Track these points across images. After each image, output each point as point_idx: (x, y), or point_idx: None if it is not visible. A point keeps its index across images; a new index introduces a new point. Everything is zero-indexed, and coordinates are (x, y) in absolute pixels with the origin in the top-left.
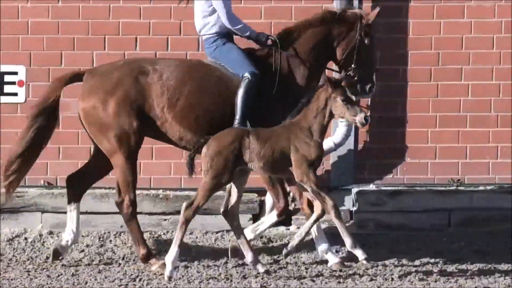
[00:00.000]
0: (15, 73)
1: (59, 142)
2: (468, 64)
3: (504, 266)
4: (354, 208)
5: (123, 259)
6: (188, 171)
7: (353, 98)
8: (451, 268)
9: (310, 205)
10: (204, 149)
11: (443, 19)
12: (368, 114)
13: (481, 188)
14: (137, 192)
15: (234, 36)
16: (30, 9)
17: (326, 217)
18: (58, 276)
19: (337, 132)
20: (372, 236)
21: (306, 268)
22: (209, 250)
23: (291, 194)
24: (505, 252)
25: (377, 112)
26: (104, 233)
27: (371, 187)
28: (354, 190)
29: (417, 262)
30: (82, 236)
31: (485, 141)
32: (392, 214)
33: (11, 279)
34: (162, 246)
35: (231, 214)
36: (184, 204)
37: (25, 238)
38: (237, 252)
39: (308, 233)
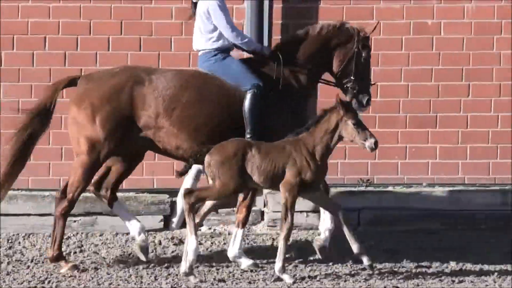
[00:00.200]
0: None
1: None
2: (377, 65)
3: (411, 265)
4: (265, 209)
5: (32, 261)
6: (181, 172)
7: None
8: (359, 267)
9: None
10: (206, 159)
11: (352, 20)
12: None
13: (390, 188)
14: (46, 193)
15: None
16: None
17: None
18: None
19: None
20: None
21: (217, 269)
22: (119, 251)
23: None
24: (414, 252)
25: None
26: (13, 235)
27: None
28: (265, 190)
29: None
30: None
31: (393, 142)
32: (303, 214)
33: None
34: (72, 248)
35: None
36: (183, 191)
37: None
38: (324, 251)
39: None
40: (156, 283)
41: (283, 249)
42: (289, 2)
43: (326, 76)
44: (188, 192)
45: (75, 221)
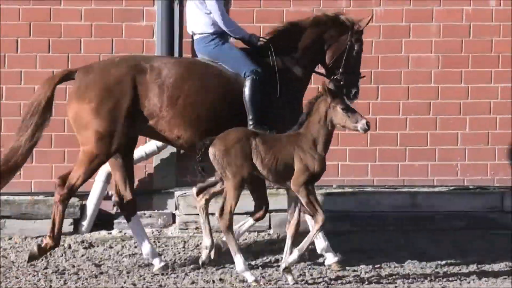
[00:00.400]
0: None
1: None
2: None
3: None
4: (177, 212)
5: None
6: (199, 174)
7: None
8: (270, 270)
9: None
10: (211, 150)
11: (262, 24)
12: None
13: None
14: None
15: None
16: None
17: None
18: None
19: (150, 143)
20: (193, 239)
21: (128, 273)
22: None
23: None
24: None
25: None
26: None
27: (193, 190)
28: (177, 193)
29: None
30: None
31: None
32: (214, 216)
33: None
34: None
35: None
36: (217, 214)
37: None
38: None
39: (308, 247)
40: (65, 287)
41: (312, 235)
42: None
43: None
44: (220, 214)
45: None
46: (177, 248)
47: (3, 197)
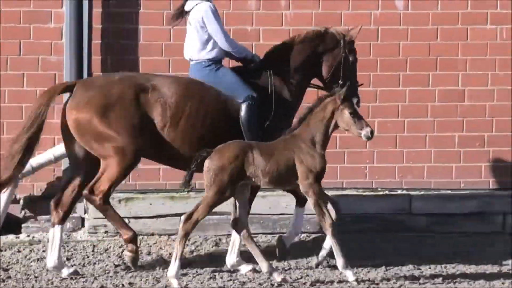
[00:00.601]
0: None
1: None
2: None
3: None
4: (86, 215)
5: None
6: (184, 183)
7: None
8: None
9: None
10: (206, 163)
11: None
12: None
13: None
14: None
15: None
16: None
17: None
18: None
19: (58, 146)
20: (103, 242)
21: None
22: None
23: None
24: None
25: None
26: None
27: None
28: None
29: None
30: None
31: None
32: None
33: None
34: None
35: (240, 226)
36: (182, 218)
37: None
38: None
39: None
40: None
41: (336, 246)
42: (108, 7)
43: (314, 80)
44: (187, 219)
45: None
46: (86, 252)
47: None
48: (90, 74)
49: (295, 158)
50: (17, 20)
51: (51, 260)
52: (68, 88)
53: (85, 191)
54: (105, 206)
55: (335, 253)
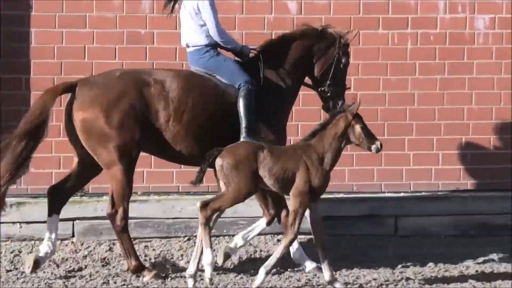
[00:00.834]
0: None
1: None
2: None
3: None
4: None
5: None
6: (196, 180)
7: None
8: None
9: None
10: (218, 162)
11: (65, 29)
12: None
13: (105, 197)
14: None
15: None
16: None
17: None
18: None
19: None
20: None
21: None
22: None
23: None
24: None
25: None
26: None
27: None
28: None
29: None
30: None
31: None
32: (16, 224)
33: None
34: None
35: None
36: (198, 204)
37: None
38: (228, 257)
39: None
40: None
41: (279, 253)
42: None
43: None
44: (204, 205)
45: None
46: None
47: None
48: None
49: (301, 164)
50: None
51: None
52: (69, 88)
53: (109, 211)
54: (124, 234)
55: (270, 257)
